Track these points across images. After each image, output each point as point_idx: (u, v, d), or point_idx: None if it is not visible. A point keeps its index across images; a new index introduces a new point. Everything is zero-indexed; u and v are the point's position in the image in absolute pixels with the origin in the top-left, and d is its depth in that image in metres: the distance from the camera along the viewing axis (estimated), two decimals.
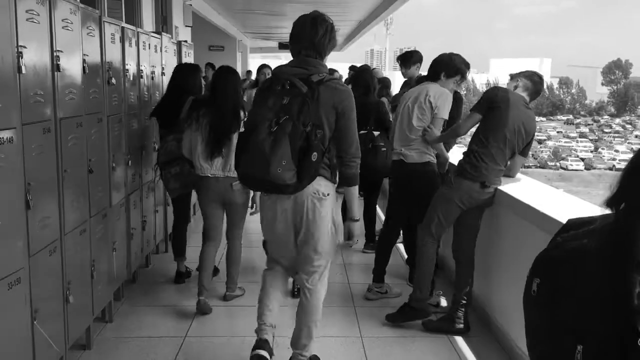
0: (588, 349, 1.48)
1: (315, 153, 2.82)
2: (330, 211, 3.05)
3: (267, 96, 2.94)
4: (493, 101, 3.69)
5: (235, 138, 3.83)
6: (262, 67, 5.02)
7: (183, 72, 4.75)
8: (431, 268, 3.97)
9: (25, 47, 2.60)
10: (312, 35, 2.99)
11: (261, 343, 3.11)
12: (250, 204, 4.28)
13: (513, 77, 3.82)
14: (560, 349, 1.56)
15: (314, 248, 3.06)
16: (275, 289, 3.26)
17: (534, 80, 3.78)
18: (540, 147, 60.67)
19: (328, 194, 3.00)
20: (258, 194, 3.89)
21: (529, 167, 49.57)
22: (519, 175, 4.09)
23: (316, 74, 2.94)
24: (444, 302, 4.32)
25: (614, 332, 1.45)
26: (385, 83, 7.06)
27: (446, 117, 4.18)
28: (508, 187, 3.78)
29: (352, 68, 8.89)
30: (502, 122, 3.62)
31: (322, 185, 2.97)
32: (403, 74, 5.62)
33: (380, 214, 6.81)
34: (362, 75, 5.61)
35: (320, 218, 3.00)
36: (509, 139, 3.64)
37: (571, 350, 1.50)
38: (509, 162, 3.84)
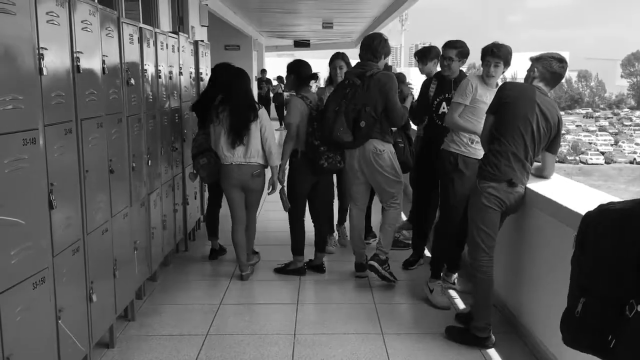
0: (589, 302, 1.65)
1: (363, 122, 4.42)
2: (388, 159, 4.50)
3: (338, 89, 4.61)
4: (500, 97, 3.58)
5: (253, 128, 4.57)
6: (334, 60, 5.35)
7: (222, 71, 5.13)
8: (489, 290, 3.64)
9: (46, 48, 2.63)
10: (370, 43, 4.54)
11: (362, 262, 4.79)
12: (267, 186, 4.82)
13: (532, 61, 3.67)
14: (572, 300, 1.73)
15: (382, 185, 4.58)
16: (358, 221, 4.85)
17: (550, 68, 3.56)
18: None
19: (383, 150, 4.49)
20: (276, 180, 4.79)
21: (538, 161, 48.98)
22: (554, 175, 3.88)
23: (369, 71, 4.45)
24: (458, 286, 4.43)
25: (615, 293, 1.58)
26: (400, 79, 7.03)
27: (459, 100, 4.16)
28: (536, 185, 3.64)
29: None
30: (513, 116, 3.49)
31: (378, 143, 4.47)
32: (420, 69, 5.57)
33: None
34: None
35: (380, 165, 4.49)
36: (524, 131, 3.47)
37: (577, 301, 1.69)
38: (535, 162, 3.70)
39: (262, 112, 4.68)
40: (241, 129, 4.56)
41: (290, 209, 4.88)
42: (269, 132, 4.66)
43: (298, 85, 4.90)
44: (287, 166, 4.90)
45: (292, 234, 4.98)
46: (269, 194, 4.84)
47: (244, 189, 4.75)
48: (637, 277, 1.53)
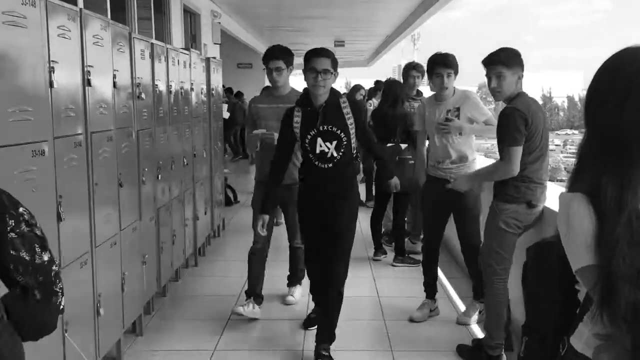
0: (530, 341, 1.62)
1: None
2: None
3: None
4: (526, 125, 3.26)
5: None
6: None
7: None
8: (501, 310, 3.54)
9: (57, 62, 2.66)
10: None
11: None
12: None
13: (492, 66, 3.37)
14: (522, 339, 1.70)
15: None
16: None
17: (522, 64, 3.42)
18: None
19: None
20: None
21: (561, 180, 48.65)
22: None
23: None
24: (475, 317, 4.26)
25: (546, 330, 1.55)
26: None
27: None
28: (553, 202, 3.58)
29: (377, 83, 8.90)
30: (539, 142, 3.32)
31: None
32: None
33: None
34: (391, 87, 5.69)
35: None
36: (545, 150, 3.37)
37: (521, 341, 1.66)
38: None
39: None
40: None
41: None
42: None
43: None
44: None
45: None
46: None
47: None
48: (559, 310, 1.51)
